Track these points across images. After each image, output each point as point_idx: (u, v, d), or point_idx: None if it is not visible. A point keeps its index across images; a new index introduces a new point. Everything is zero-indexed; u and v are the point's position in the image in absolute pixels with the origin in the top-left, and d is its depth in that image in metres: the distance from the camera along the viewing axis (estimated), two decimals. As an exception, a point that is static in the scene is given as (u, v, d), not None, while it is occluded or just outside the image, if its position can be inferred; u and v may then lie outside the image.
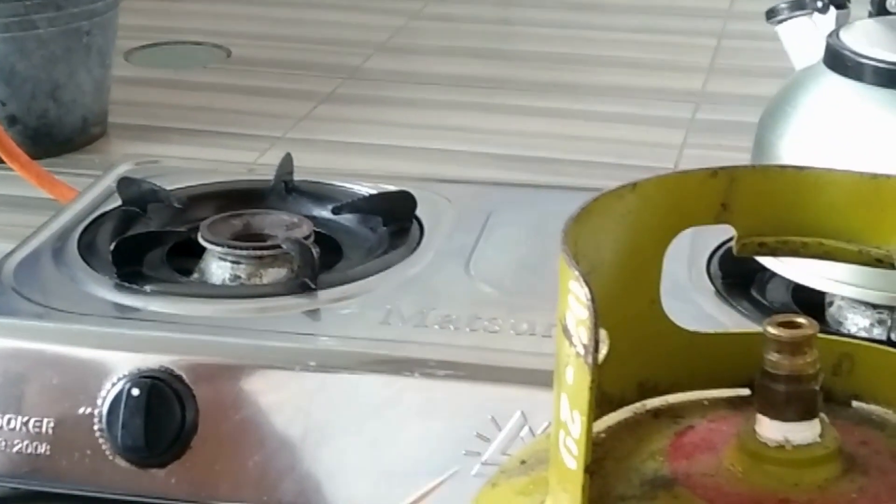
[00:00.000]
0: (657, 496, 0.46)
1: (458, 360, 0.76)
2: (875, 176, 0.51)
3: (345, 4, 1.97)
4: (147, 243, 0.90)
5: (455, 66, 1.70)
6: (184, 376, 0.77)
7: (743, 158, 0.86)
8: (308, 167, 1.04)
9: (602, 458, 0.48)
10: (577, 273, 0.43)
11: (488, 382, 0.74)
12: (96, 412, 0.77)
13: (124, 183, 0.96)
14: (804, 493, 0.45)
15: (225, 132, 1.47)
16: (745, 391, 0.52)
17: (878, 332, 0.80)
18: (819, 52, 0.84)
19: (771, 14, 0.91)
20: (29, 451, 0.78)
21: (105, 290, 0.84)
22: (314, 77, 1.66)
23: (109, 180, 1.00)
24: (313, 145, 1.44)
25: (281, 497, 0.76)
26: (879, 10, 0.88)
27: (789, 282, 0.83)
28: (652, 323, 0.52)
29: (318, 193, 0.98)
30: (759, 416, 0.46)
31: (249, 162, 1.36)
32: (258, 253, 0.87)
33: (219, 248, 0.88)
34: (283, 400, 0.76)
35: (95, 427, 0.77)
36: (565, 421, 0.44)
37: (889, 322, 0.80)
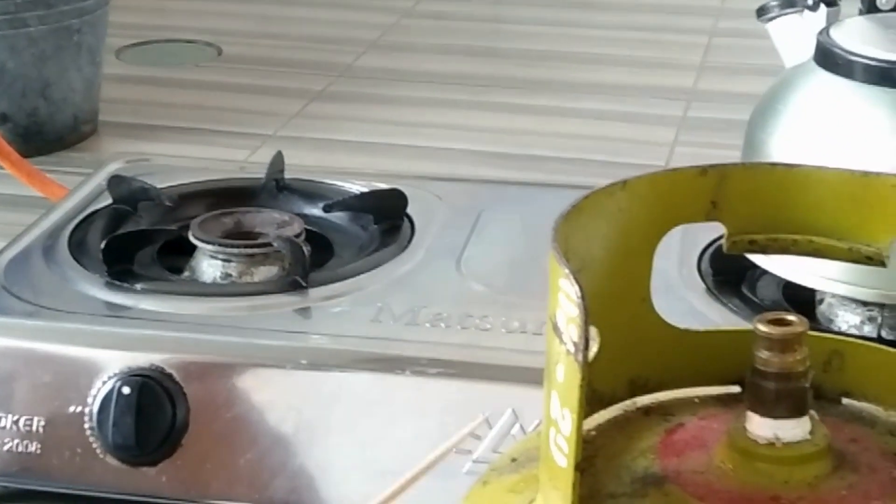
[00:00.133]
0: (647, 494, 0.46)
1: (449, 358, 0.76)
2: (865, 173, 0.51)
3: (336, 2, 1.97)
4: (138, 241, 0.90)
5: (447, 64, 1.70)
6: (174, 374, 0.77)
7: (734, 156, 0.87)
8: (299, 165, 1.04)
9: (592, 455, 0.48)
10: (567, 271, 0.43)
11: (479, 380, 0.74)
12: (87, 410, 0.77)
13: (115, 181, 0.96)
14: (794, 490, 0.45)
15: (216, 130, 1.47)
16: (736, 389, 0.52)
17: (869, 330, 0.80)
18: (809, 50, 0.84)
19: (761, 12, 0.91)
20: (19, 449, 0.78)
21: (95, 289, 0.84)
22: (305, 75, 1.66)
23: (100, 178, 1.00)
24: (304, 143, 1.43)
25: (273, 495, 0.76)
26: (870, 7, 0.88)
27: (780, 279, 0.83)
28: (642, 320, 0.52)
29: (309, 191, 0.98)
30: (750, 414, 0.46)
31: (240, 160, 1.36)
32: (249, 251, 0.87)
33: (210, 247, 0.88)
34: (274, 398, 0.76)
35: (86, 425, 0.77)
36: (556, 419, 0.44)
37: (879, 319, 0.80)
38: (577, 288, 0.42)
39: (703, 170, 0.51)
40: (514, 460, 0.50)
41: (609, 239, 0.50)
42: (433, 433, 0.73)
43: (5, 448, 0.78)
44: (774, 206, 0.52)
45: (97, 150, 1.43)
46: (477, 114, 1.52)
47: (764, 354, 0.46)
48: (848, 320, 0.80)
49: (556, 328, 0.44)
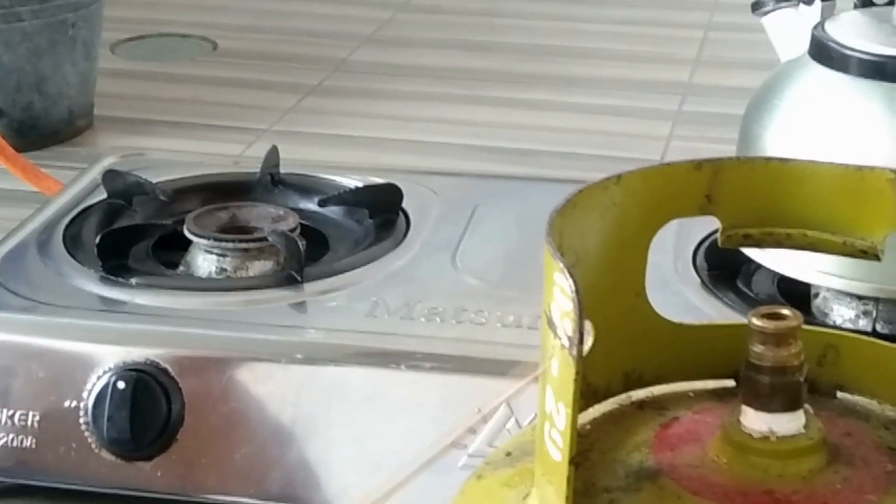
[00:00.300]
0: (642, 487, 0.46)
1: (444, 353, 0.76)
2: (859, 168, 0.51)
3: (331, -4, 1.97)
4: (132, 236, 0.90)
5: (442, 59, 1.70)
6: (170, 369, 0.77)
7: (729, 150, 0.87)
8: (294, 159, 1.03)
9: (587, 449, 0.48)
10: (561, 265, 0.43)
11: (474, 374, 0.74)
12: (82, 405, 0.77)
13: (109, 176, 0.96)
14: (788, 483, 0.45)
15: (211, 125, 1.47)
16: (731, 383, 0.52)
17: (864, 324, 0.80)
18: (804, 44, 0.84)
19: (757, 6, 0.91)
20: (14, 444, 0.78)
21: (90, 283, 0.84)
22: (301, 69, 1.65)
23: (95, 173, 1.00)
24: (300, 138, 1.43)
25: (268, 490, 0.76)
26: (864, 1, 0.88)
27: (775, 273, 0.83)
28: (637, 315, 0.52)
29: (304, 186, 0.98)
30: (744, 408, 0.47)
31: (235, 154, 1.36)
32: (244, 245, 0.87)
33: (204, 241, 0.88)
34: (269, 392, 0.76)
35: (81, 420, 0.77)
36: (550, 413, 0.44)
37: (874, 313, 0.80)
38: (571, 282, 0.42)
39: (698, 164, 0.51)
40: (508, 454, 0.50)
41: (603, 233, 0.50)
42: (428, 427, 0.73)
43: (0, 443, 0.78)
44: (769, 200, 0.52)
45: (92, 145, 1.42)
46: (472, 108, 1.52)
47: (758, 348, 0.46)
48: (843, 314, 0.81)
49: (550, 322, 0.44)
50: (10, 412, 0.78)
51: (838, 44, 0.81)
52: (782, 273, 0.81)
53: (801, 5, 0.89)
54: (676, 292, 0.81)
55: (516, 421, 0.72)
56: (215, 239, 0.87)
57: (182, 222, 0.90)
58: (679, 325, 0.53)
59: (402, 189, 0.94)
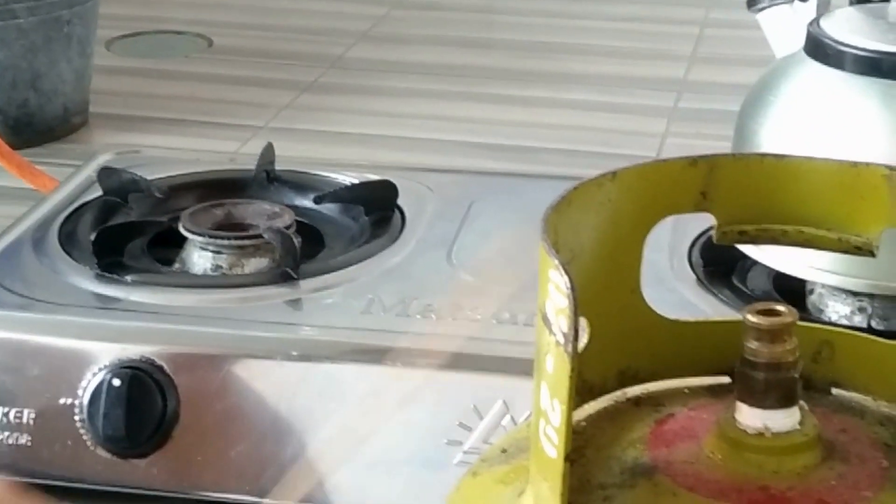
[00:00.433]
0: (637, 484, 0.46)
1: (439, 350, 0.76)
2: (855, 164, 0.51)
3: (327, -7, 1.96)
4: (128, 233, 0.90)
5: (438, 55, 1.70)
6: (165, 366, 0.76)
7: (725, 147, 0.87)
8: (290, 156, 1.03)
9: (582, 446, 0.48)
10: (556, 262, 0.43)
11: (470, 371, 0.74)
12: (77, 402, 0.77)
13: (105, 173, 0.96)
14: (784, 480, 0.45)
15: (207, 122, 1.47)
16: (726, 379, 0.52)
17: (859, 320, 0.80)
18: (800, 41, 0.84)
19: (752, 2, 0.91)
20: (10, 441, 0.78)
21: (86, 281, 0.84)
22: (296, 66, 1.65)
23: (90, 170, 0.99)
24: (295, 135, 1.43)
25: (263, 487, 0.76)
26: (860, -3, 0.88)
27: (770, 270, 0.83)
28: (632, 311, 0.52)
29: (299, 183, 0.98)
30: (739, 404, 0.46)
31: (231, 151, 1.36)
32: (240, 243, 0.87)
33: (200, 238, 0.88)
34: (264, 389, 0.76)
35: (76, 417, 0.77)
36: (545, 409, 0.44)
37: (870, 310, 0.80)
38: (566, 279, 0.42)
39: (693, 160, 0.51)
40: (504, 451, 0.50)
41: (599, 230, 0.50)
42: (424, 424, 0.73)
43: (-4, 440, 0.78)
44: (764, 197, 0.52)
45: (87, 142, 1.42)
46: (468, 105, 1.52)
47: (753, 345, 0.46)
48: (838, 311, 0.81)
49: (545, 319, 0.44)
50: (6, 409, 0.78)
51: (833, 40, 0.81)
52: (777, 269, 0.81)
53: (797, 2, 0.89)
54: (672, 289, 0.81)
55: (512, 418, 0.72)
56: (211, 236, 0.87)
57: (177, 219, 0.89)
58: (674, 321, 0.53)
59: (397, 186, 0.94)
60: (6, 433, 0.78)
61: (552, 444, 0.43)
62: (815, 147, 0.76)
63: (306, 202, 0.96)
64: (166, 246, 0.90)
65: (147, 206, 0.94)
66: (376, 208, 0.93)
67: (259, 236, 0.87)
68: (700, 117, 1.47)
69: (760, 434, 0.46)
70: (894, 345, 0.51)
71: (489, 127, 1.44)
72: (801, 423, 0.46)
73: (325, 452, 0.75)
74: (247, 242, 0.87)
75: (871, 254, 0.51)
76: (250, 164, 0.99)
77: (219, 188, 0.97)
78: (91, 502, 0.77)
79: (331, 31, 1.80)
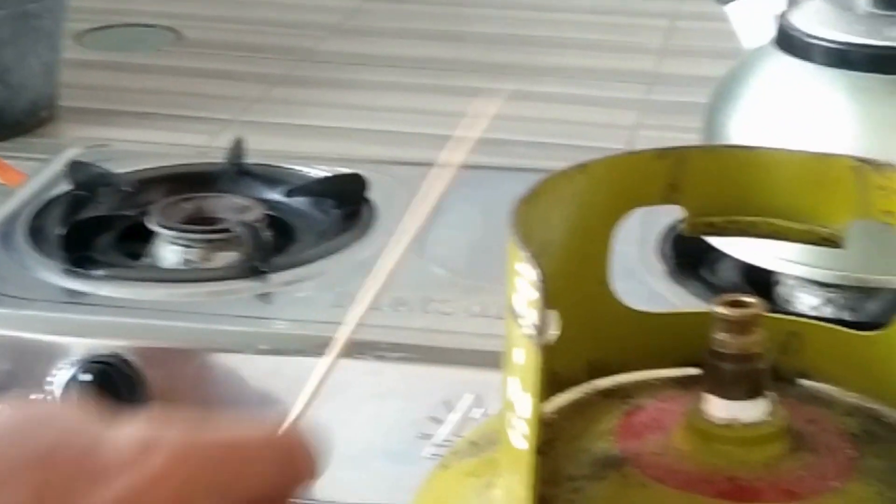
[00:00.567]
0: (607, 476, 0.46)
1: (410, 343, 0.76)
2: (823, 155, 0.51)
3: (297, -14, 1.96)
4: (97, 228, 0.89)
5: (409, 48, 1.69)
6: (135, 361, 0.76)
7: (696, 139, 0.87)
8: (261, 150, 1.03)
9: (552, 438, 0.48)
10: (525, 254, 0.43)
11: (440, 364, 0.74)
12: (46, 398, 0.76)
13: (74, 167, 0.96)
14: (752, 470, 0.45)
15: (177, 115, 1.46)
16: (695, 371, 0.52)
17: (828, 311, 0.80)
18: (768, 33, 0.84)
19: (721, -6, 0.91)
20: (-22, 437, 0.77)
21: (54, 275, 0.84)
22: (268, 59, 1.65)
23: (59, 164, 0.99)
24: (266, 128, 1.43)
25: (234, 481, 0.75)
26: (828, -10, 0.88)
27: (740, 262, 0.83)
28: (602, 303, 0.52)
29: (270, 176, 0.98)
30: (708, 395, 0.47)
31: (201, 145, 1.35)
32: (209, 237, 0.87)
33: (170, 232, 0.87)
34: (235, 384, 0.76)
35: (46, 413, 0.76)
36: (515, 402, 0.44)
37: (838, 301, 0.80)
38: (535, 271, 0.42)
39: (662, 152, 0.51)
40: (474, 444, 0.50)
41: (568, 222, 0.50)
42: (394, 418, 0.73)
43: (-36, 436, 0.77)
44: (733, 188, 0.52)
45: (56, 136, 1.42)
46: (439, 98, 1.52)
47: (721, 336, 0.46)
48: (807, 302, 0.81)
49: (514, 312, 0.44)
50: (-26, 405, 0.77)
51: (802, 32, 0.81)
52: (746, 261, 0.81)
53: (765, -6, 0.89)
54: (641, 281, 0.82)
55: (482, 410, 0.72)
56: (180, 230, 0.87)
57: (147, 213, 0.89)
58: (644, 313, 0.53)
59: (367, 179, 0.94)
60: (-26, 429, 0.77)
61: (522, 437, 0.43)
62: (783, 139, 0.77)
63: (277, 196, 0.96)
64: (136, 240, 0.90)
65: (116, 201, 0.94)
66: (347, 202, 0.93)
67: (229, 230, 0.87)
68: (671, 109, 1.47)
69: (729, 425, 0.46)
70: (862, 335, 0.51)
71: (460, 120, 1.43)
72: (769, 414, 0.46)
73: (296, 446, 0.75)
74: (216, 236, 0.87)
75: (839, 245, 0.51)
76: (220, 158, 0.99)
77: (188, 182, 0.96)
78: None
79: (302, 23, 1.80)
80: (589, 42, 1.71)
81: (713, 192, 0.52)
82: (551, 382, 0.49)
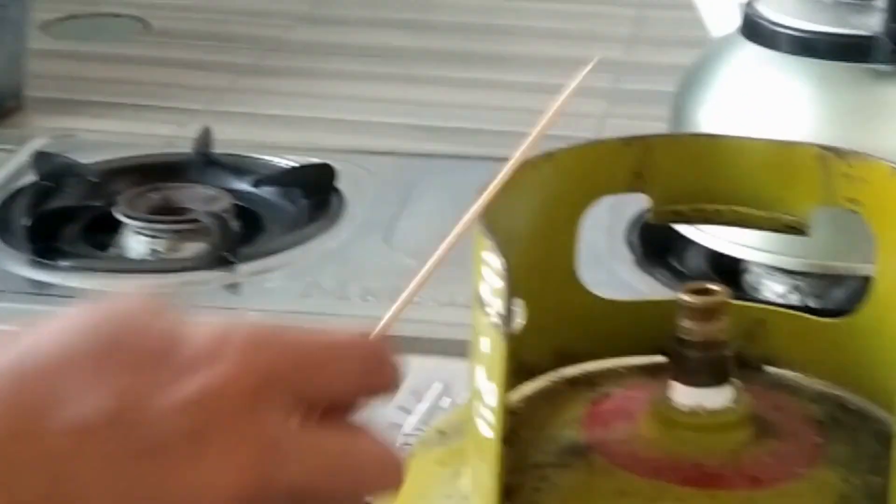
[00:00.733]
0: (573, 464, 0.46)
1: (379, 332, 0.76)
2: (787, 143, 0.52)
3: (266, -25, 1.95)
4: (63, 218, 0.89)
5: (377, 37, 1.69)
6: (102, 352, 0.76)
7: (664, 128, 0.87)
8: (230, 140, 1.03)
9: (519, 427, 0.48)
10: (491, 243, 0.43)
11: (409, 354, 0.74)
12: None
13: (39, 157, 0.95)
14: (717, 457, 0.46)
15: (145, 105, 1.45)
16: (662, 358, 0.52)
17: (794, 299, 0.81)
18: (735, 21, 0.85)
19: (687, -18, 0.92)
20: (-56, 430, 0.77)
21: (20, 267, 0.83)
22: (236, 49, 1.64)
23: (24, 155, 0.98)
24: (235, 118, 1.42)
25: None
26: (794, -21, 0.89)
27: (707, 250, 0.83)
28: (568, 292, 0.52)
29: (238, 166, 0.98)
30: (673, 383, 0.47)
31: (169, 135, 1.35)
32: (177, 227, 0.87)
33: (136, 223, 0.87)
34: (203, 374, 0.76)
35: (12, 405, 0.76)
36: (481, 391, 0.44)
37: (804, 288, 0.81)
38: (501, 260, 0.43)
39: (627, 141, 0.51)
40: (441, 433, 0.51)
41: (534, 211, 0.50)
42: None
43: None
44: (698, 177, 0.52)
45: (22, 126, 1.40)
46: (407, 87, 1.51)
47: (687, 324, 0.46)
48: (773, 290, 0.81)
49: (480, 301, 0.44)
50: (-60, 398, 0.77)
51: (768, 21, 0.81)
52: (713, 249, 0.82)
53: (732, -18, 0.89)
54: (610, 270, 0.82)
55: (451, 400, 0.72)
56: (147, 220, 0.87)
57: (114, 204, 0.89)
58: (610, 301, 0.53)
59: (335, 168, 0.94)
60: (-60, 422, 0.77)
61: (488, 425, 0.44)
62: (749, 127, 0.77)
63: (245, 185, 0.96)
64: (102, 231, 0.89)
65: (82, 191, 0.93)
66: (315, 191, 0.93)
67: (196, 220, 0.87)
68: (640, 98, 1.47)
69: (694, 412, 0.46)
70: (826, 322, 0.51)
71: (429, 109, 1.43)
72: (734, 401, 0.47)
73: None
74: (184, 227, 0.87)
75: (803, 232, 0.51)
76: (188, 148, 0.98)
77: (156, 172, 0.96)
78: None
79: (270, 13, 1.79)
80: (557, 30, 1.71)
81: (678, 180, 0.52)
82: (518, 371, 0.49)
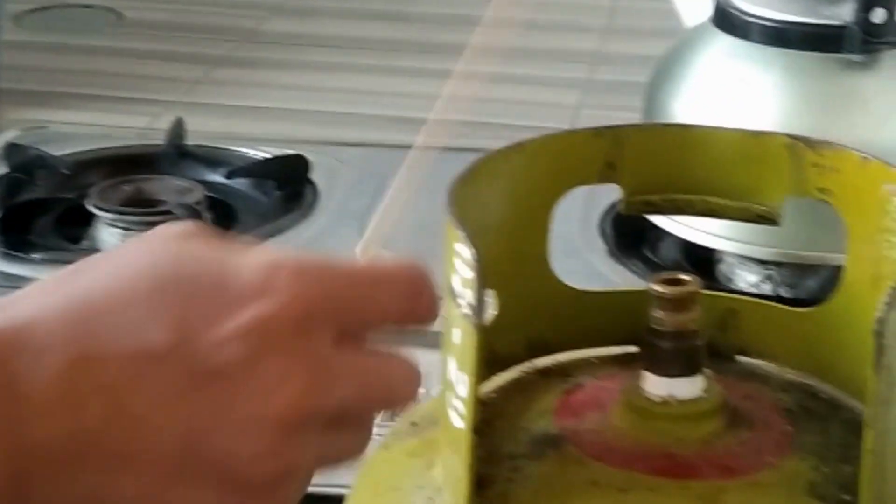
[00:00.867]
0: (545, 454, 0.46)
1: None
2: (757, 133, 0.52)
3: (239, -34, 1.94)
4: (35, 211, 0.88)
5: (351, 28, 1.69)
6: (74, 345, 0.75)
7: (638, 118, 0.87)
8: (203, 131, 1.02)
9: (491, 417, 0.48)
10: (462, 234, 0.43)
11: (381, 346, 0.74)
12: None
13: (10, 149, 0.95)
14: (689, 447, 0.46)
15: (118, 97, 1.45)
16: (634, 349, 0.52)
17: (767, 288, 0.81)
18: (708, 11, 0.85)
19: (660, -27, 0.92)
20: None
21: (-9, 259, 0.83)
22: (208, 40, 1.63)
23: (-4, 147, 0.98)
24: (208, 109, 1.42)
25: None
26: (766, -31, 0.89)
27: (682, 240, 0.84)
28: (541, 282, 0.52)
29: (210, 158, 0.97)
30: (645, 373, 0.47)
31: (142, 127, 1.34)
32: (149, 219, 0.86)
33: (109, 215, 0.86)
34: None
35: (-16, 399, 0.75)
36: (453, 382, 0.44)
37: (777, 278, 0.81)
38: (472, 251, 0.42)
39: (598, 131, 0.51)
40: (414, 424, 0.50)
41: (506, 201, 0.50)
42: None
43: None
44: (670, 166, 0.52)
45: (-6, 119, 1.40)
46: (382, 78, 1.51)
47: (658, 314, 0.46)
48: (746, 279, 0.82)
49: (452, 292, 0.44)
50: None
51: (740, 11, 0.82)
52: (685, 239, 0.82)
53: (704, -28, 0.89)
54: (583, 260, 0.82)
55: (423, 391, 0.72)
56: (120, 213, 0.86)
57: (86, 196, 0.88)
58: (583, 292, 0.53)
59: (310, 160, 0.94)
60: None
61: (460, 416, 0.44)
62: (721, 116, 0.77)
63: (217, 177, 0.95)
64: (75, 223, 0.89)
65: (54, 183, 0.93)
66: (288, 183, 0.93)
67: (169, 212, 0.86)
68: (615, 89, 1.47)
69: (666, 402, 0.46)
70: (798, 312, 0.52)
71: (403, 100, 1.43)
72: (705, 391, 0.47)
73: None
74: (156, 219, 0.86)
75: (774, 222, 0.52)
76: (161, 140, 0.98)
77: (128, 164, 0.96)
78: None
79: (243, 4, 1.78)
80: (532, 22, 1.70)
81: (650, 170, 0.52)
82: (490, 362, 0.49)
